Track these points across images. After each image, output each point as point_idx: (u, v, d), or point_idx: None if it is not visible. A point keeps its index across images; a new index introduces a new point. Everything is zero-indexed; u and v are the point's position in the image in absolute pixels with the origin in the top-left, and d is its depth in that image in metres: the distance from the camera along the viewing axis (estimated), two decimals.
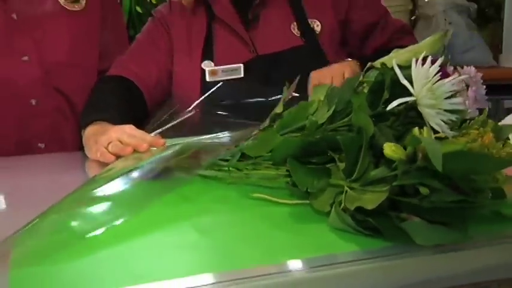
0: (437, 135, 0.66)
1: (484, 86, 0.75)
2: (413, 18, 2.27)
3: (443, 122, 0.65)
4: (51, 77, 1.25)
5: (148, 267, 0.58)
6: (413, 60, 0.64)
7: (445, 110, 0.65)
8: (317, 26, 1.28)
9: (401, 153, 0.61)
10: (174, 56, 1.30)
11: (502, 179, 0.68)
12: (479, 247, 0.62)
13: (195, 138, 0.89)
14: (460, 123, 0.70)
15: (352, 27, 1.31)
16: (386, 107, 0.65)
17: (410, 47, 0.78)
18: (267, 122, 0.81)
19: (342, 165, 0.68)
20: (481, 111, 0.72)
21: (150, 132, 0.97)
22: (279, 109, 0.81)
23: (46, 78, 1.24)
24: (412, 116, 0.66)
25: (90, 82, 1.28)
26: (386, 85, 0.66)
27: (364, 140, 0.65)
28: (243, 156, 0.83)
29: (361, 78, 0.71)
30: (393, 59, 0.69)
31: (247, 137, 0.81)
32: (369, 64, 0.72)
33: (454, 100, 0.66)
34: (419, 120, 0.65)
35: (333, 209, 0.65)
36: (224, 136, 0.87)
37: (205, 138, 0.88)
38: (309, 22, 1.28)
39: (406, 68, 0.65)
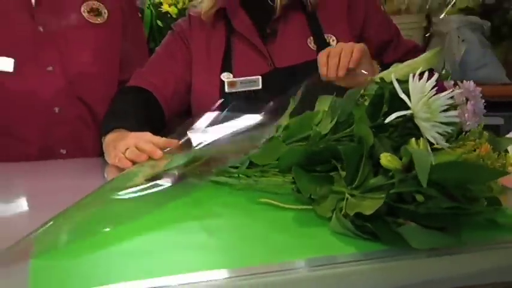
0: (435, 146, 0.70)
1: (483, 100, 0.78)
2: (427, 35, 2.30)
3: (439, 133, 0.69)
4: (74, 86, 1.30)
5: (159, 263, 0.62)
6: (411, 75, 0.68)
7: (441, 123, 0.69)
8: (332, 41, 1.31)
9: (397, 163, 0.64)
10: (193, 68, 1.34)
11: (497, 188, 0.72)
12: (473, 252, 0.65)
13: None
14: (457, 134, 0.73)
15: (366, 44, 1.35)
16: (385, 118, 0.69)
17: (408, 62, 0.82)
18: (273, 132, 0.85)
19: (343, 173, 0.72)
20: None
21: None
22: (285, 120, 0.85)
23: (69, 87, 1.29)
24: (410, 127, 0.70)
25: (111, 92, 1.33)
26: (385, 98, 0.70)
27: (364, 150, 0.69)
28: (252, 164, 0.87)
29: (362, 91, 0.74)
30: (392, 73, 0.73)
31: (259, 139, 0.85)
32: (369, 78, 0.76)
33: (449, 113, 0.69)
34: (417, 132, 0.69)
35: (334, 214, 0.69)
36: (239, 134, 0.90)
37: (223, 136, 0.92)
38: (325, 37, 1.31)
39: (404, 82, 0.69)
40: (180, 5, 2.11)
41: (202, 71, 1.33)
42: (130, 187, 0.81)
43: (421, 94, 0.67)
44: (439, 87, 0.69)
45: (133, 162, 0.98)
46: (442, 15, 2.27)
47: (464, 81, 0.78)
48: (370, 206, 0.65)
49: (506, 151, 0.77)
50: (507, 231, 0.69)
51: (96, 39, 1.34)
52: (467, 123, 0.76)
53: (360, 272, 0.61)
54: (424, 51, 1.43)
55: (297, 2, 1.31)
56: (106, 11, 1.36)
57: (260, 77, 1.26)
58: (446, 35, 2.19)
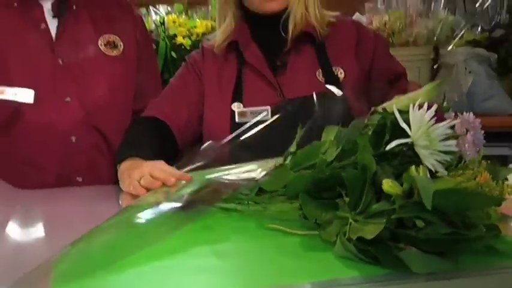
0: (435, 174, 0.73)
1: (483, 132, 0.82)
2: (435, 66, 2.34)
3: (438, 161, 0.72)
4: (90, 116, 1.34)
5: (172, 285, 0.66)
6: (411, 105, 0.72)
7: (440, 151, 0.72)
8: (340, 74, 1.33)
9: (398, 189, 0.68)
10: (205, 99, 1.37)
11: (496, 216, 0.74)
12: (471, 276, 0.67)
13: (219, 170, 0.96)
14: (456, 163, 0.76)
15: (374, 77, 1.38)
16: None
17: (409, 94, 0.85)
18: (281, 160, 0.89)
19: (348, 199, 0.75)
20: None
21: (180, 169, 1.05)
22: (292, 148, 0.89)
23: (86, 118, 1.33)
24: (410, 155, 0.73)
25: (125, 122, 1.38)
26: (387, 128, 0.73)
27: (367, 177, 0.72)
28: (261, 191, 0.90)
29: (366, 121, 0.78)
30: (394, 104, 0.77)
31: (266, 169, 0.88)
32: (372, 109, 0.79)
33: (448, 142, 0.73)
34: (417, 160, 0.72)
35: (339, 238, 0.72)
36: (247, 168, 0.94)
37: (229, 168, 0.96)
38: (333, 70, 1.34)
39: (405, 112, 0.72)
40: (193, 37, 2.17)
41: (214, 101, 1.36)
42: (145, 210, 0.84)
43: (420, 123, 0.71)
44: (439, 118, 0.72)
45: (147, 190, 1.02)
46: (449, 48, 2.32)
47: (464, 113, 0.81)
48: (371, 230, 0.68)
49: (506, 179, 0.80)
50: (506, 258, 0.71)
51: (112, 71, 1.38)
52: (468, 153, 0.79)
53: None
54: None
55: (307, 35, 1.34)
56: (122, 44, 1.41)
57: (269, 107, 1.29)
58: (453, 67, 2.23)
